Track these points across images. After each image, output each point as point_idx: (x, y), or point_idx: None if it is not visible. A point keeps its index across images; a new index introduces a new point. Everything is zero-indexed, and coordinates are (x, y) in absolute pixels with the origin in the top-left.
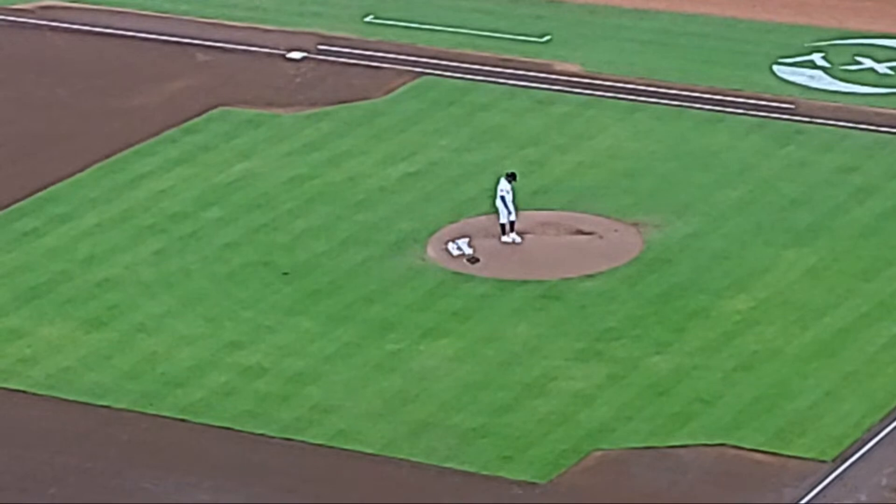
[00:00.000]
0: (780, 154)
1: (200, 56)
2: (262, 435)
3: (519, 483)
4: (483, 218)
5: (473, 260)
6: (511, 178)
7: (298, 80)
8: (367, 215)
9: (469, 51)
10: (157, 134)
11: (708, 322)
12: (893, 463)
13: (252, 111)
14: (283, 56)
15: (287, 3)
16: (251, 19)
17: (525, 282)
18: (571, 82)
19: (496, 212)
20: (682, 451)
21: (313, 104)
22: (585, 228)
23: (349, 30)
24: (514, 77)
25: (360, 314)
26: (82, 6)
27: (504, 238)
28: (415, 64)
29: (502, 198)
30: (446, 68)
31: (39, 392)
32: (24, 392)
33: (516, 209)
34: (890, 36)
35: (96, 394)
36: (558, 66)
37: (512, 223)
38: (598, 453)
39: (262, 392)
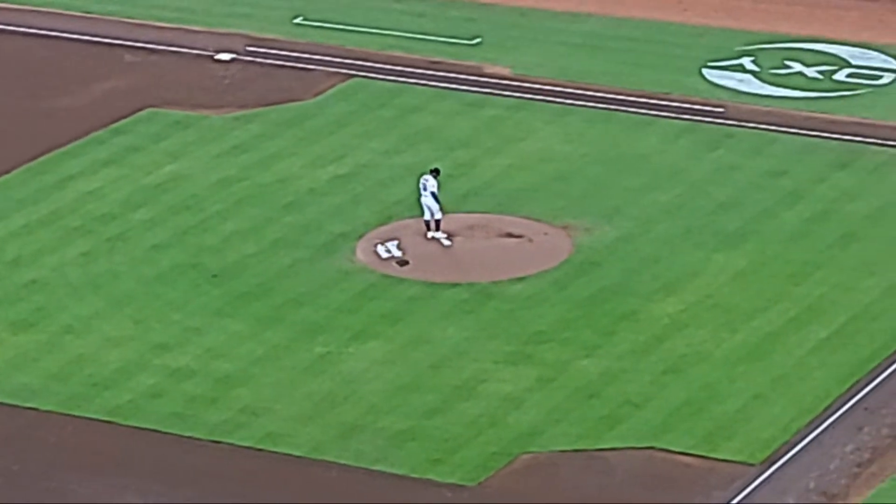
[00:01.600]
0: (710, 158)
1: (129, 57)
2: (190, 437)
3: (448, 486)
4: (413, 220)
5: (403, 262)
6: (436, 173)
7: (227, 81)
8: (296, 217)
9: (399, 53)
10: (85, 135)
11: (637, 325)
12: (821, 466)
13: (181, 112)
14: (212, 57)
15: (216, 4)
16: (179, 20)
17: (454, 284)
18: (501, 85)
19: (423, 210)
20: (610, 453)
21: (242, 106)
22: (515, 231)
23: (278, 31)
24: (445, 79)
25: (290, 316)
26: (8, 6)
27: (438, 235)
28: (344, 66)
29: (433, 194)
30: (376, 70)
31: None
32: None
33: (427, 209)
34: (819, 40)
35: (23, 396)
36: (488, 69)
37: (438, 221)
38: (527, 456)
39: (191, 394)
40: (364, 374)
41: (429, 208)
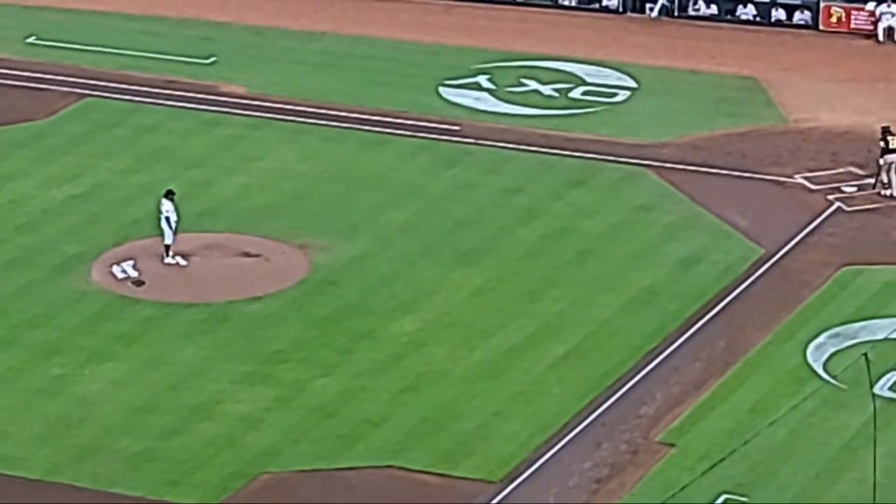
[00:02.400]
0: (447, 175)
1: None
2: None
3: None
4: (148, 240)
5: (139, 283)
6: (170, 195)
7: None
8: (30, 238)
9: (134, 72)
10: None
11: (375, 343)
12: (560, 483)
13: None
14: None
15: None
16: None
17: (191, 305)
18: (237, 104)
19: (161, 233)
20: (349, 473)
21: None
22: (252, 250)
23: (11, 51)
24: (180, 99)
25: (24, 338)
26: None
27: (167, 259)
28: (79, 85)
29: (167, 218)
30: (111, 90)
31: None
32: None
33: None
34: (555, 58)
35: None
36: (224, 88)
37: (167, 247)
38: (266, 476)
39: None
40: (100, 395)
41: (163, 232)
